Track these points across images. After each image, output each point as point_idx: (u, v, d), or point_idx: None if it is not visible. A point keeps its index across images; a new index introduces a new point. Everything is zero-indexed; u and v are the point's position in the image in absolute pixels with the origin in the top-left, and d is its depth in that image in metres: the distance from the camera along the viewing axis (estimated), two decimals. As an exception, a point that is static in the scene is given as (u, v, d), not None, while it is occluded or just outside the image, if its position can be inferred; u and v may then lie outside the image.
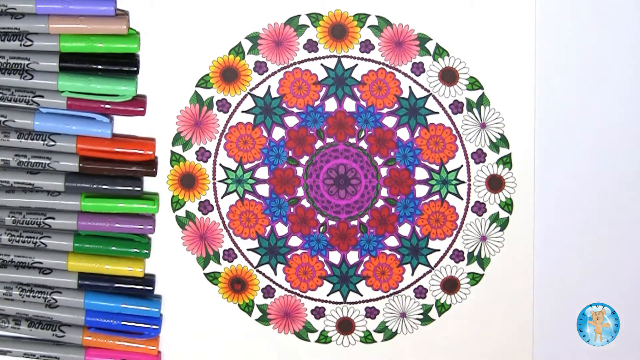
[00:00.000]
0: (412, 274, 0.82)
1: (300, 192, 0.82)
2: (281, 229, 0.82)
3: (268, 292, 0.82)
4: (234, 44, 0.81)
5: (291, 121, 0.81)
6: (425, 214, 0.82)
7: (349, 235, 0.82)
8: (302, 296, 0.82)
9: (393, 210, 0.82)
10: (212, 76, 0.81)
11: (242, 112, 0.81)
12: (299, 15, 0.81)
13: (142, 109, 0.80)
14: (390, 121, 0.82)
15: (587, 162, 0.82)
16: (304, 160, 0.82)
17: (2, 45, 0.78)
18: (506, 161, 0.82)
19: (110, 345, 0.81)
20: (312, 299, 0.83)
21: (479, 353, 0.83)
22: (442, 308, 0.83)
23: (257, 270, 0.82)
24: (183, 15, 0.80)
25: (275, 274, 0.82)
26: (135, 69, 0.79)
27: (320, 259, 0.82)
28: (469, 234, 0.82)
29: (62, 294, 0.80)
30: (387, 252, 0.82)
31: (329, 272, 0.82)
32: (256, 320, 0.83)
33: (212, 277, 0.82)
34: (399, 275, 0.82)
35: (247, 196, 0.82)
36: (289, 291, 0.82)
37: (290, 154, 0.82)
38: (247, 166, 0.82)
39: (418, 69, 0.81)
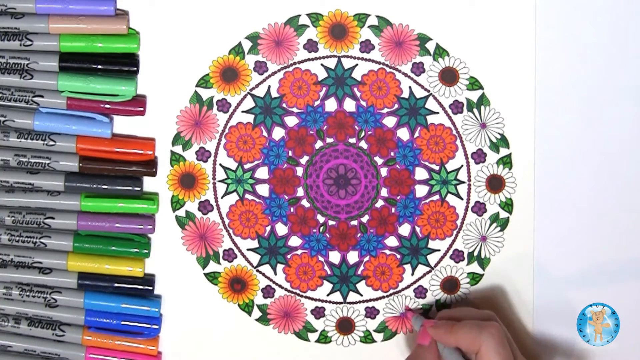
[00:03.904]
0: (412, 274, 0.82)
1: (300, 192, 0.82)
2: (281, 229, 0.82)
3: (268, 292, 0.82)
4: (234, 44, 0.81)
5: (291, 121, 0.81)
6: (425, 214, 0.82)
7: (349, 235, 0.82)
8: (302, 296, 0.82)
9: (393, 210, 0.82)
10: (212, 76, 0.81)
11: (242, 112, 0.81)
12: (299, 15, 0.81)
13: (142, 109, 0.80)
14: (390, 121, 0.82)
15: (587, 162, 0.82)
16: (304, 160, 0.82)
17: (2, 45, 0.78)
18: (506, 161, 0.82)
19: (110, 345, 0.80)
20: (312, 299, 0.83)
21: (479, 353, 0.83)
22: (442, 308, 0.83)
23: (257, 270, 0.82)
24: (183, 15, 0.80)
25: (275, 274, 0.82)
26: (135, 69, 0.79)
27: (320, 259, 0.82)
28: (469, 234, 0.82)
29: (62, 293, 0.80)
30: (387, 252, 0.82)
31: (329, 272, 0.82)
32: (256, 320, 0.83)
33: (212, 277, 0.82)
34: (399, 275, 0.82)
35: (247, 196, 0.82)
36: (289, 291, 0.82)
37: (290, 154, 0.82)
38: (247, 166, 0.82)
39: (418, 69, 0.81)
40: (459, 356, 0.75)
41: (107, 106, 0.79)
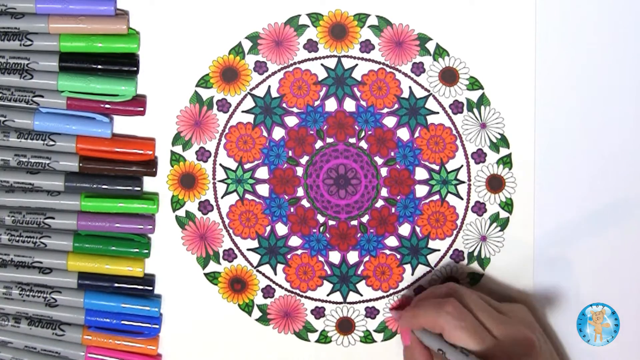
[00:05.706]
0: (412, 274, 0.82)
1: (300, 192, 0.82)
2: (281, 229, 0.82)
3: (268, 292, 0.82)
4: (234, 44, 0.81)
5: (291, 121, 0.81)
6: (425, 214, 0.82)
7: (349, 235, 0.82)
8: (302, 296, 0.82)
9: (393, 210, 0.82)
10: (212, 76, 0.81)
11: (242, 112, 0.81)
12: (299, 15, 0.81)
13: (142, 109, 0.80)
14: (390, 121, 0.82)
15: (587, 162, 0.82)
16: (304, 160, 0.82)
17: (2, 45, 0.78)
18: (506, 161, 0.82)
19: (110, 345, 0.81)
20: (312, 299, 0.83)
21: (479, 353, 0.83)
22: (442, 308, 0.83)
23: (257, 270, 0.82)
24: (183, 15, 0.80)
25: (275, 274, 0.82)
26: (135, 68, 0.79)
27: (320, 259, 0.82)
28: (469, 234, 0.82)
29: (62, 293, 0.80)
30: (387, 252, 0.82)
31: (329, 272, 0.82)
32: (256, 320, 0.83)
33: (212, 277, 0.82)
34: (399, 275, 0.82)
35: (247, 196, 0.82)
36: (289, 291, 0.82)
37: (290, 154, 0.82)
38: (247, 166, 0.82)
39: (418, 69, 0.81)
40: (440, 339, 0.75)
41: (107, 106, 0.79)
